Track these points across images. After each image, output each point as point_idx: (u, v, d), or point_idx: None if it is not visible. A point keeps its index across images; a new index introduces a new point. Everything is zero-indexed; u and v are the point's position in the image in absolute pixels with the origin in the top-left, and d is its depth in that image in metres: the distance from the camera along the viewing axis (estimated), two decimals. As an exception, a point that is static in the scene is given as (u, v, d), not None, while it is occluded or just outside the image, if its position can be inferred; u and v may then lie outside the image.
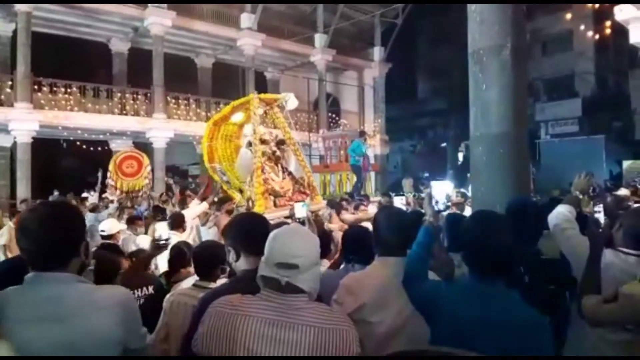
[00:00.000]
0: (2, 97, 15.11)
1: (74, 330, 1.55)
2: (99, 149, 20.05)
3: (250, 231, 2.07)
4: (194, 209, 6.09)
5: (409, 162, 29.96)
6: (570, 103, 24.29)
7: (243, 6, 19.78)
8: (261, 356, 1.56)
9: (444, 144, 28.53)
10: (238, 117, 7.66)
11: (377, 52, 24.33)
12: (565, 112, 24.18)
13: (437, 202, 2.24)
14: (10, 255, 6.38)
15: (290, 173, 7.47)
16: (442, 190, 2.27)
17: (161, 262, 3.89)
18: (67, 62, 18.25)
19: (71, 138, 19.25)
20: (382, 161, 23.15)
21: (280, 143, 7.48)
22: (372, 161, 15.63)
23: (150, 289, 3.44)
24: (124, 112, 17.33)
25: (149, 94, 17.69)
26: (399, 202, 3.81)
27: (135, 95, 17.71)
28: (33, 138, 15.50)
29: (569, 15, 18.21)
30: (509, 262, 1.91)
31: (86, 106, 16.57)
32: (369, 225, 3.56)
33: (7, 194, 17.05)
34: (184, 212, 6.02)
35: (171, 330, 2.62)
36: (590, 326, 2.20)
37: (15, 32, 15.99)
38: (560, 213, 2.72)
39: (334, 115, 23.90)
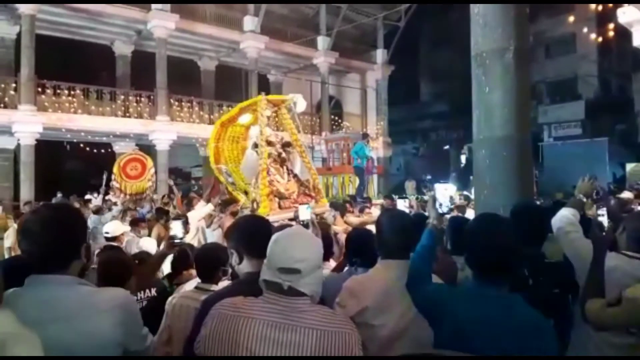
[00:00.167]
0: (6, 99, 15.17)
1: (74, 332, 1.55)
2: (102, 151, 20.10)
3: (252, 234, 2.07)
4: (200, 211, 6.10)
5: (411, 165, 29.95)
6: (574, 106, 24.25)
7: (246, 9, 19.84)
8: (263, 356, 1.56)
9: (446, 147, 28.53)
10: (245, 118, 7.66)
11: (380, 54, 24.35)
12: (568, 115, 24.14)
13: (440, 204, 2.24)
14: (16, 258, 6.38)
15: (295, 175, 7.46)
16: (446, 193, 2.27)
17: (164, 264, 3.90)
18: (70, 65, 18.31)
19: (74, 140, 19.31)
20: (385, 164, 23.14)
21: (285, 145, 7.48)
22: (375, 163, 15.63)
23: (153, 291, 3.44)
24: (127, 114, 17.38)
25: (152, 97, 17.74)
26: (401, 204, 3.79)
27: (138, 98, 17.77)
28: (37, 140, 15.54)
29: (572, 18, 18.22)
30: (513, 265, 1.90)
31: (89, 108, 16.63)
32: (373, 228, 3.56)
33: (10, 196, 17.10)
34: (190, 213, 6.03)
35: (173, 333, 2.62)
36: (594, 330, 2.20)
37: (19, 34, 16.07)
38: (564, 216, 2.71)
39: (336, 118, 23.92)
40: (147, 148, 17.97)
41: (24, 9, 15.02)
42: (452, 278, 2.62)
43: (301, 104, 7.52)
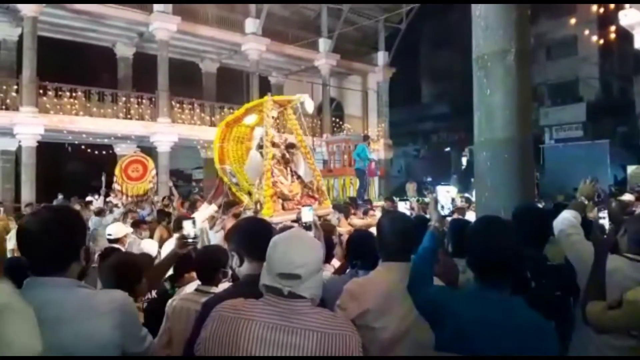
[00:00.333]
0: (8, 101, 15.19)
1: (73, 335, 1.56)
2: (104, 153, 20.12)
3: (253, 236, 2.07)
4: (203, 212, 6.10)
5: (412, 167, 29.94)
6: (575, 108, 24.24)
7: (247, 11, 19.88)
8: (264, 357, 1.56)
9: (447, 149, 28.52)
10: (251, 119, 7.66)
11: (381, 56, 24.38)
12: (569, 117, 24.13)
13: (442, 207, 2.24)
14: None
15: (299, 177, 7.46)
16: (448, 195, 2.26)
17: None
18: (72, 67, 18.34)
19: (76, 142, 19.34)
20: (386, 165, 23.13)
21: (289, 146, 7.48)
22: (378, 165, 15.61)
23: (154, 293, 3.44)
24: (129, 116, 17.42)
25: (153, 99, 17.77)
26: (402, 207, 3.78)
27: (140, 100, 17.81)
28: (38, 142, 15.57)
29: (573, 20, 18.20)
30: (514, 268, 1.90)
31: (91, 110, 16.67)
32: (376, 230, 3.56)
33: (12, 198, 17.13)
34: (194, 215, 6.03)
35: (174, 336, 2.62)
36: (594, 332, 2.19)
37: (21, 36, 16.10)
38: (566, 219, 2.71)
39: (337, 120, 23.94)
40: (148, 150, 17.97)
41: (26, 11, 15.05)
42: (454, 280, 2.62)
43: (309, 104, 7.52)
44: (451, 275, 2.61)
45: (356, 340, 1.62)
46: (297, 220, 4.63)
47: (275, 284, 1.61)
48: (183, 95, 18.90)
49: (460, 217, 6.11)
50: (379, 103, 24.65)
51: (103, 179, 10.87)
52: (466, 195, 9.77)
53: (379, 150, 22.11)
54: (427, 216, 3.57)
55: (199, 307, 2.11)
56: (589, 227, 2.74)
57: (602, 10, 12.31)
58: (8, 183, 17.88)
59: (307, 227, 3.45)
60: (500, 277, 1.84)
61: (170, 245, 5.02)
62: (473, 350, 1.73)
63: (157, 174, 12.98)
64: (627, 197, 8.86)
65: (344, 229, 5.64)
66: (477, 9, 3.77)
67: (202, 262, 2.84)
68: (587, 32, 18.67)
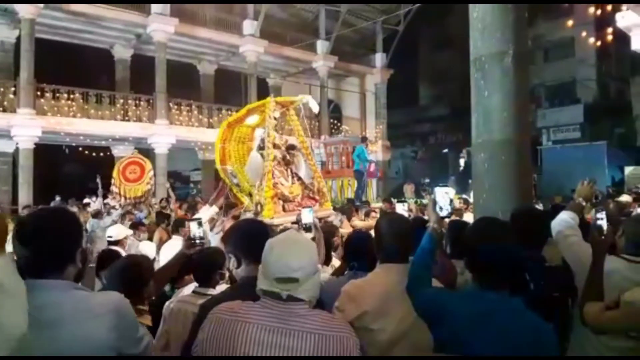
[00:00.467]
0: (5, 103, 15.16)
1: (69, 337, 1.55)
2: (101, 154, 20.09)
3: (250, 237, 2.06)
4: (205, 214, 6.10)
5: (410, 168, 29.93)
6: (572, 109, 24.26)
7: (245, 13, 19.89)
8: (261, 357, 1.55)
9: (445, 150, 28.53)
10: (253, 119, 7.65)
11: (379, 58, 24.41)
12: (567, 119, 24.15)
13: (440, 208, 2.23)
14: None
15: (299, 178, 7.45)
16: (446, 197, 2.26)
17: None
18: (70, 69, 18.32)
19: (73, 144, 19.31)
20: (384, 167, 23.16)
21: (290, 148, 7.48)
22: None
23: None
24: (127, 118, 17.40)
25: (151, 100, 17.76)
26: (400, 208, 3.79)
27: (137, 102, 17.79)
28: (35, 144, 15.55)
29: (570, 22, 18.23)
30: (513, 269, 1.90)
31: (89, 112, 16.64)
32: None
33: (9, 200, 17.09)
34: (194, 217, 6.01)
35: (171, 338, 2.61)
36: (592, 333, 2.19)
37: (18, 38, 16.09)
38: (563, 220, 2.71)
39: (335, 122, 23.95)
40: (145, 152, 17.95)
41: (23, 13, 15.04)
42: (452, 282, 2.61)
43: (314, 105, 7.53)
44: (450, 277, 2.61)
45: (354, 342, 1.62)
46: (297, 221, 4.64)
47: (273, 289, 1.60)
48: (181, 97, 18.89)
49: (457, 218, 6.11)
50: (377, 105, 24.68)
51: (98, 180, 10.86)
52: (464, 196, 9.79)
53: (376, 152, 22.13)
54: (426, 217, 3.58)
55: (196, 309, 2.11)
56: (586, 228, 2.73)
57: (599, 12, 12.34)
58: (5, 185, 17.83)
59: (307, 229, 3.44)
60: (498, 279, 1.84)
61: (169, 247, 5.03)
62: (471, 351, 1.73)
63: (154, 175, 12.99)
64: (625, 198, 8.89)
65: (346, 231, 5.64)
66: (474, 11, 3.77)
67: (199, 263, 2.84)
68: (584, 34, 18.72)
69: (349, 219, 6.58)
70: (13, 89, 15.28)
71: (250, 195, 7.36)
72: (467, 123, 3.94)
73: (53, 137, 16.62)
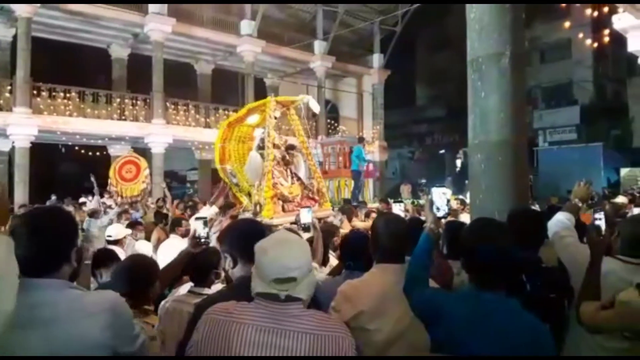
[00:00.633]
0: (1, 101, 15.13)
1: (63, 336, 1.55)
2: (98, 154, 20.05)
3: (246, 237, 2.05)
4: (205, 213, 6.09)
5: (407, 169, 29.96)
6: (569, 111, 24.33)
7: (243, 13, 19.87)
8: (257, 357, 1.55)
9: (442, 151, 28.56)
10: (254, 118, 7.64)
11: (376, 59, 24.43)
12: (563, 120, 24.21)
13: (438, 208, 2.23)
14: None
15: (299, 178, 7.45)
16: (444, 197, 2.25)
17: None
18: (66, 68, 18.28)
19: (70, 143, 19.27)
20: (381, 167, 23.18)
21: (289, 148, 7.47)
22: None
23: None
24: (123, 117, 17.36)
25: (148, 100, 17.73)
26: (397, 209, 3.79)
27: (134, 101, 17.75)
28: (31, 143, 15.51)
29: (567, 24, 18.29)
30: (509, 270, 1.90)
31: (85, 111, 16.61)
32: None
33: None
34: (194, 217, 6.01)
35: (166, 337, 2.60)
36: (588, 332, 2.20)
37: (15, 37, 16.03)
38: (560, 221, 2.72)
39: (332, 122, 23.95)
40: (142, 151, 17.92)
41: (20, 11, 14.99)
42: (448, 282, 2.61)
43: (314, 105, 7.54)
44: (446, 277, 2.61)
45: (349, 342, 1.61)
46: (296, 222, 4.64)
47: (271, 290, 1.60)
48: (178, 96, 18.86)
49: (454, 219, 6.12)
50: (374, 105, 24.69)
51: (93, 179, 10.82)
52: (460, 197, 9.81)
53: (373, 152, 22.14)
54: (422, 218, 3.58)
55: (192, 308, 2.10)
56: (582, 229, 2.74)
57: (596, 13, 12.38)
58: (1, 184, 17.77)
59: (306, 229, 3.44)
60: (495, 279, 1.84)
61: (167, 247, 5.03)
62: (468, 352, 1.73)
63: (151, 175, 12.96)
64: (621, 199, 8.92)
65: (346, 231, 5.64)
66: (472, 12, 3.77)
67: (195, 263, 2.83)
68: (581, 35, 18.75)
69: (350, 220, 6.58)
70: (9, 87, 15.24)
71: (249, 195, 7.35)
72: (464, 124, 3.94)
73: (49, 136, 16.57)
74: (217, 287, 2.75)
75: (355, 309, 2.14)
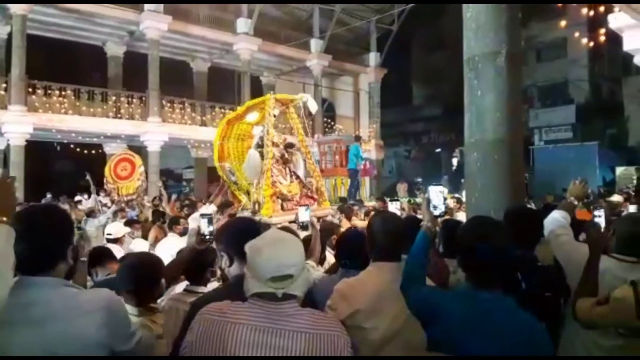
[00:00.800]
0: (-4, 99, 15.06)
1: (59, 334, 1.54)
2: (93, 152, 19.98)
3: (242, 236, 2.04)
4: (204, 212, 6.08)
5: (403, 167, 30.01)
6: (564, 110, 24.42)
7: (239, 11, 19.83)
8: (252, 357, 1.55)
9: (438, 150, 28.61)
10: (253, 116, 7.61)
11: (373, 57, 24.43)
12: (559, 119, 24.30)
13: (435, 207, 2.23)
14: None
15: (298, 177, 7.44)
16: (441, 195, 2.25)
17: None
18: (62, 65, 18.20)
19: (65, 141, 19.19)
20: (377, 166, 23.19)
21: (288, 146, 7.45)
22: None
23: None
24: (119, 115, 17.31)
25: (144, 98, 17.68)
26: (393, 207, 3.79)
27: (130, 99, 17.70)
28: (27, 141, 15.44)
29: (563, 23, 18.33)
30: (506, 268, 1.90)
31: (80, 109, 16.54)
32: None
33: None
34: (193, 215, 6.02)
35: (163, 336, 2.59)
36: (583, 328, 2.21)
37: (10, 34, 15.97)
38: (555, 219, 2.72)
39: (329, 120, 23.95)
40: (138, 149, 17.88)
41: (15, 9, 14.91)
42: (444, 281, 2.62)
43: (312, 104, 7.52)
44: (442, 276, 2.61)
45: (344, 340, 1.61)
46: (295, 220, 4.63)
47: (267, 289, 1.59)
48: (174, 94, 18.82)
49: (449, 217, 6.12)
50: (371, 104, 24.71)
51: (88, 177, 10.78)
52: (457, 195, 9.82)
53: (370, 151, 22.16)
54: (419, 216, 3.58)
55: (188, 307, 2.09)
56: (578, 227, 2.75)
57: (591, 13, 12.42)
58: (-4, 182, 17.67)
59: (304, 227, 3.44)
60: (492, 278, 1.84)
61: (165, 245, 5.02)
62: (465, 350, 1.73)
63: (147, 173, 12.93)
64: (616, 198, 8.96)
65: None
66: (468, 11, 3.77)
67: (190, 262, 2.83)
68: (577, 34, 18.82)
69: (349, 219, 6.57)
70: (4, 85, 15.17)
71: (248, 193, 7.33)
72: (460, 122, 3.95)
73: (44, 134, 16.52)
74: (213, 285, 2.75)
75: (352, 307, 2.14)
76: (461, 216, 6.33)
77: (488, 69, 3.63)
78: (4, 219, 1.49)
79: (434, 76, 27.88)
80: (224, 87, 22.03)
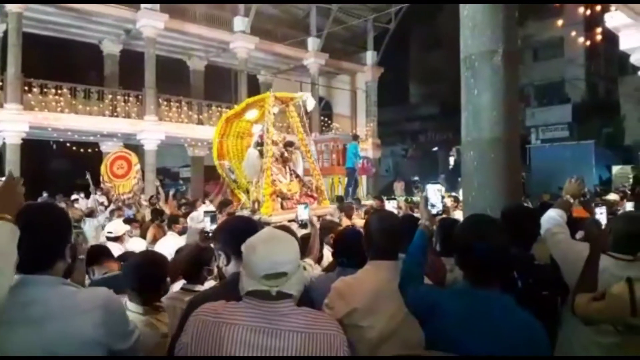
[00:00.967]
0: (-8, 97, 14.99)
1: (56, 333, 1.54)
2: (89, 150, 19.93)
3: (240, 235, 2.04)
4: (202, 212, 6.10)
5: (400, 166, 30.06)
6: (561, 109, 24.50)
7: (236, 9, 19.80)
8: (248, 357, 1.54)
9: (435, 148, 28.67)
10: (252, 114, 7.59)
11: (370, 56, 24.44)
12: (555, 118, 24.38)
13: (432, 205, 2.23)
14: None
15: (297, 175, 7.43)
16: (438, 194, 2.25)
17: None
18: (58, 64, 18.12)
19: (61, 139, 19.13)
20: (374, 165, 23.22)
21: (287, 145, 7.44)
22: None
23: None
24: (115, 114, 17.26)
25: (140, 96, 17.64)
26: (390, 206, 3.79)
27: (126, 97, 17.65)
28: (22, 139, 15.40)
29: (560, 22, 18.39)
30: (503, 266, 1.90)
31: (77, 108, 16.49)
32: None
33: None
34: (192, 214, 6.02)
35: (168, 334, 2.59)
36: (582, 323, 2.21)
37: (5, 32, 15.89)
38: (551, 217, 2.73)
39: (326, 119, 23.94)
40: (134, 148, 17.84)
41: (10, 6, 14.87)
42: (441, 279, 2.62)
43: (310, 103, 7.51)
44: (439, 274, 2.61)
45: (341, 339, 1.61)
46: (294, 219, 4.62)
47: (261, 287, 1.58)
48: (170, 93, 18.78)
49: (445, 216, 6.13)
50: (368, 102, 24.72)
51: (88, 177, 10.74)
52: (453, 194, 9.85)
53: (367, 150, 22.18)
54: (416, 215, 3.58)
55: (185, 305, 2.09)
56: (574, 225, 2.75)
57: (588, 12, 12.45)
58: (-8, 181, 17.61)
59: (303, 225, 3.44)
60: (490, 276, 1.84)
61: (164, 243, 5.02)
62: (463, 348, 1.73)
63: (143, 172, 12.90)
64: (613, 197, 8.98)
65: (345, 229, 5.62)
66: (464, 9, 3.78)
67: (187, 260, 2.83)
68: (573, 33, 18.88)
69: (350, 217, 6.57)
70: (0, 83, 15.10)
71: (247, 192, 7.32)
72: (457, 121, 3.95)
73: (40, 132, 16.46)
74: (210, 284, 2.75)
75: (349, 306, 2.14)
76: (458, 215, 6.34)
77: (485, 68, 3.63)
78: (9, 217, 1.49)
79: (431, 75, 27.94)
80: (220, 86, 22.00)
